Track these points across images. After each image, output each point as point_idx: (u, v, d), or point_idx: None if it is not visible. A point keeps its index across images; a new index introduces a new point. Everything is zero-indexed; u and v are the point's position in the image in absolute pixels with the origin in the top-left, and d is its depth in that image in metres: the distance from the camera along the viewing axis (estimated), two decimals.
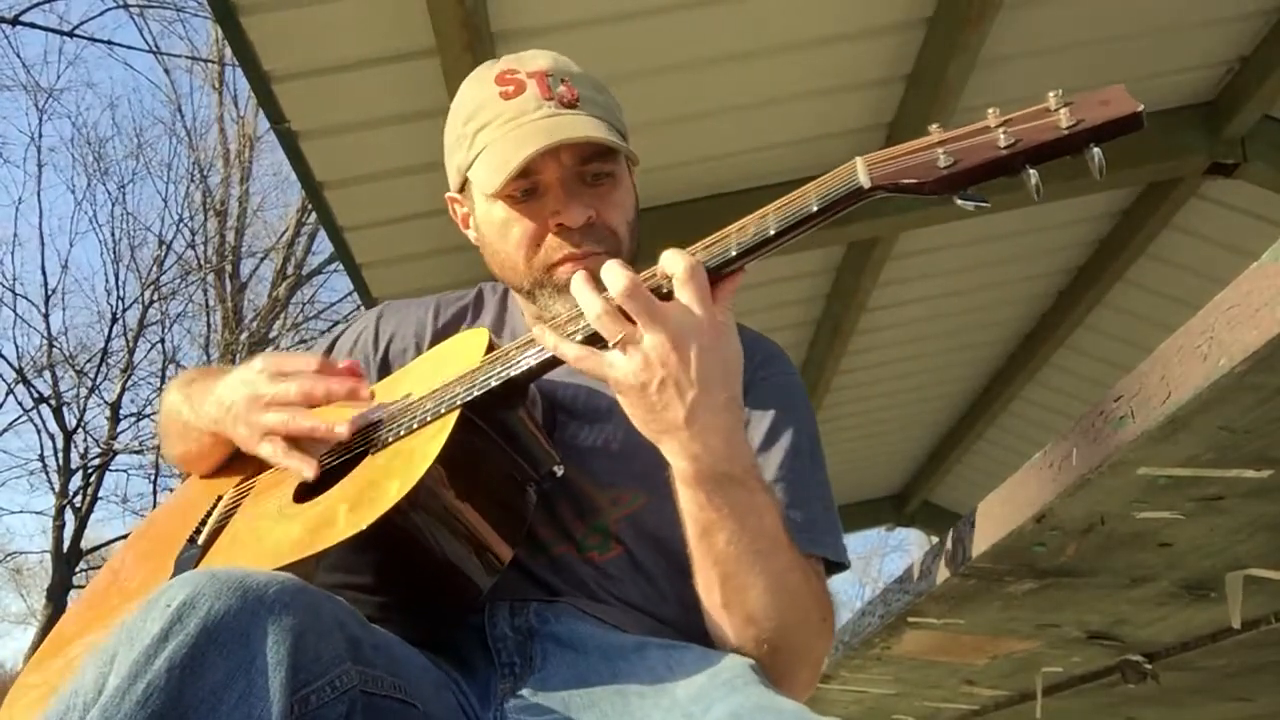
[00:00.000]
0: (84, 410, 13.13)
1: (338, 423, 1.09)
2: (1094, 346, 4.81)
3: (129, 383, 13.34)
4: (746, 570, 0.98)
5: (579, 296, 0.94)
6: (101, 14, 22.97)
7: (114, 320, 13.45)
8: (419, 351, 1.28)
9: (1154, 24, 3.06)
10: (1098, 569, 1.27)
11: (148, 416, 13.10)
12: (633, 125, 1.23)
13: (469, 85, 1.21)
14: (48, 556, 12.84)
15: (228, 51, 11.02)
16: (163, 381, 13.22)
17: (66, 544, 12.29)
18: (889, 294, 4.28)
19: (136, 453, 13.23)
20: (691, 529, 0.99)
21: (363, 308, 4.80)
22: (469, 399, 1.03)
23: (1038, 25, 2.96)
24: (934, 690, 2.00)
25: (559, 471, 1.09)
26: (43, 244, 19.37)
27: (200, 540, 1.17)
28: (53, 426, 12.92)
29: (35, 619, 13.83)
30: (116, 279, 13.72)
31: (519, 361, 1.04)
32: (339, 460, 1.12)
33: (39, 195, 22.34)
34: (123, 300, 13.60)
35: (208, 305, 14.05)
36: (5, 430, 13.57)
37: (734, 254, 0.93)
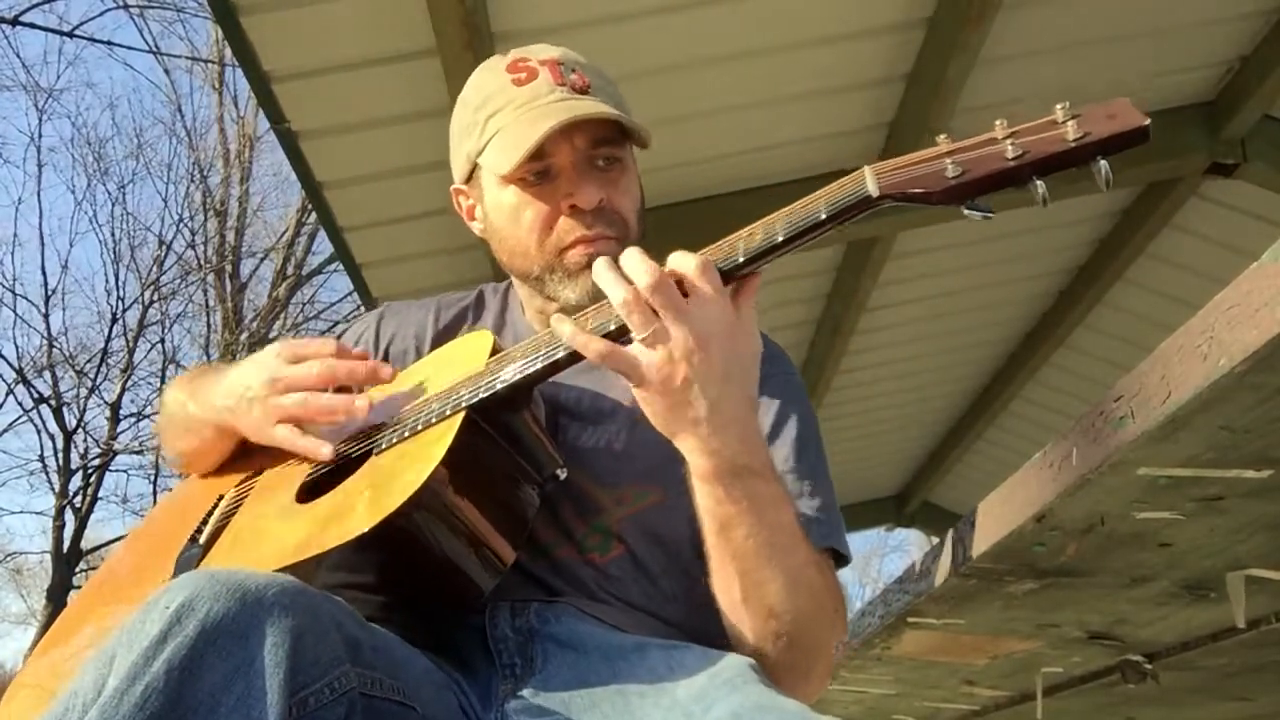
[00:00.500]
0: (84, 410, 13.14)
1: (357, 399, 1.10)
2: (1094, 346, 4.81)
3: (129, 383, 13.34)
4: (765, 564, 0.98)
5: (604, 283, 0.93)
6: (101, 14, 22.99)
7: (114, 320, 13.45)
8: (419, 353, 1.28)
9: (1154, 24, 3.06)
10: (1098, 569, 1.27)
11: (148, 416, 13.11)
12: None
13: (479, 75, 1.22)
14: (48, 557, 12.84)
15: (228, 51, 11.02)
16: (163, 381, 13.22)
17: (66, 544, 12.29)
18: (889, 294, 4.28)
19: (136, 453, 13.24)
20: (709, 525, 0.98)
21: (363, 308, 4.80)
22: (474, 401, 1.04)
23: (1038, 25, 2.96)
24: (934, 690, 2.00)
25: (562, 474, 1.09)
26: (43, 244, 19.34)
27: (201, 540, 1.17)
28: (53, 427, 12.93)
29: (35, 619, 13.85)
30: (116, 279, 13.74)
31: (523, 364, 1.04)
32: (342, 460, 1.13)
33: (39, 195, 22.32)
34: (123, 300, 13.62)
35: (208, 305, 14.05)
36: (5, 430, 13.59)
37: (741, 260, 0.93)
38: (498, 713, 0.99)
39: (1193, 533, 1.16)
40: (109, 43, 14.84)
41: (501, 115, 1.15)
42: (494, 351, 1.11)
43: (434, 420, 1.05)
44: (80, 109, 25.80)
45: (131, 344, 13.43)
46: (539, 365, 1.03)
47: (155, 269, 13.81)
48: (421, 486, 0.97)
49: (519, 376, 1.03)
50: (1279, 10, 3.11)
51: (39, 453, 13.07)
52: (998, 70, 3.05)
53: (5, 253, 25.91)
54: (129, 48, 26.15)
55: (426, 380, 1.15)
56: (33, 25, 12.27)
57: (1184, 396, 0.88)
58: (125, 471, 13.87)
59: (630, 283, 0.92)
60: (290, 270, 14.22)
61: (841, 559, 1.15)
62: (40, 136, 17.61)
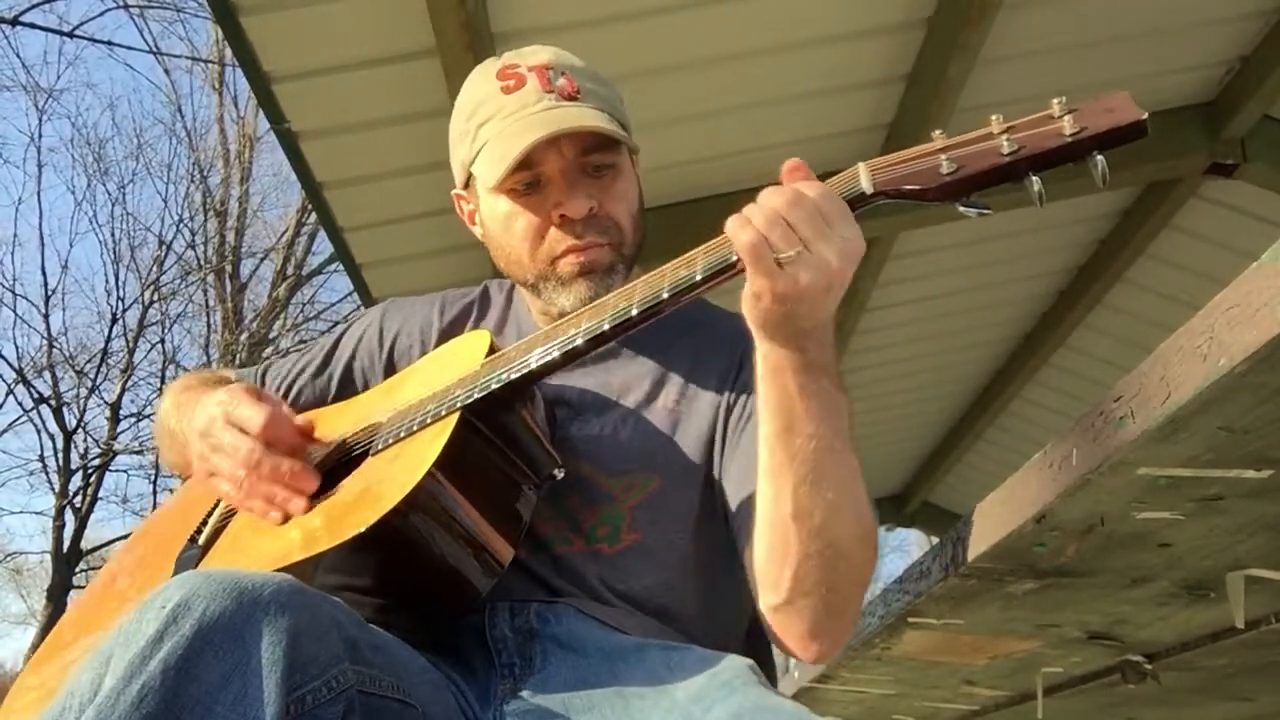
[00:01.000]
0: (84, 410, 13.15)
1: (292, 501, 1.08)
2: (1094, 346, 4.81)
3: (129, 383, 13.34)
4: (820, 472, 0.96)
5: (739, 218, 0.91)
6: (101, 14, 22.83)
7: (114, 320, 13.45)
8: (424, 349, 1.28)
9: (1154, 24, 3.06)
10: (1098, 569, 1.27)
11: (148, 417, 13.09)
12: (633, 125, 1.23)
13: (471, 81, 1.21)
14: (48, 557, 12.84)
15: (228, 52, 11.02)
16: (163, 382, 13.22)
17: (66, 544, 12.29)
18: (889, 294, 4.28)
19: (136, 453, 13.23)
20: (775, 425, 0.96)
21: (362, 308, 4.80)
22: (469, 401, 1.03)
23: (1038, 25, 2.96)
24: (934, 690, 2.00)
25: (559, 474, 1.08)
26: (43, 244, 19.27)
27: (201, 540, 1.17)
28: (53, 427, 12.93)
29: (35, 619, 13.84)
30: (116, 279, 13.73)
31: (519, 364, 1.04)
32: (339, 462, 1.12)
33: (39, 195, 22.26)
34: (123, 300, 13.61)
35: (208, 305, 14.05)
36: (5, 430, 13.58)
37: (734, 259, 0.93)
38: (496, 713, 0.99)
39: (1193, 533, 1.16)
40: (109, 43, 14.84)
41: (490, 125, 1.15)
42: (491, 351, 1.11)
43: (429, 421, 1.05)
44: (80, 109, 25.80)
45: (131, 344, 13.44)
46: (534, 365, 1.03)
47: (155, 269, 13.82)
48: (416, 487, 0.97)
49: (514, 376, 1.03)
50: (1279, 10, 3.11)
51: (39, 453, 13.09)
52: (998, 70, 3.05)
53: (5, 253, 25.93)
54: (129, 48, 26.15)
55: (424, 379, 1.15)
56: (33, 25, 12.29)
57: (1184, 397, 0.88)
58: (125, 471, 13.88)
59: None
60: (290, 270, 14.23)
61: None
62: (40, 137, 17.64)
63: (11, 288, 13.54)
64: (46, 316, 13.45)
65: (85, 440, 13.05)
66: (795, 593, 0.99)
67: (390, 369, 1.29)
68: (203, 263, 14.04)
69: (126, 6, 13.07)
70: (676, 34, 2.78)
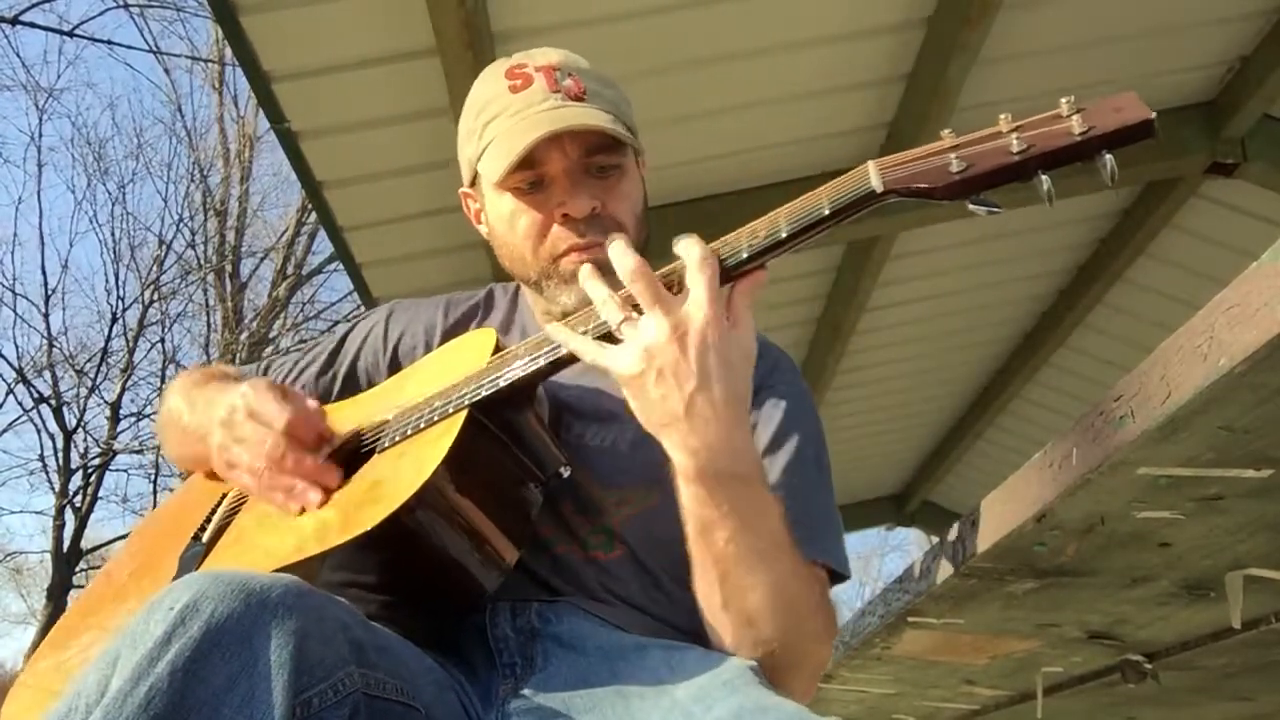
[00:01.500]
0: (84, 410, 13.12)
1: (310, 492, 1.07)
2: (1094, 346, 4.81)
3: (129, 383, 13.32)
4: (746, 571, 0.97)
5: (587, 286, 0.95)
6: (101, 14, 22.82)
7: (114, 320, 13.43)
8: (429, 350, 1.28)
9: (1154, 24, 3.06)
10: (1098, 569, 1.27)
11: (148, 416, 13.09)
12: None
13: (481, 81, 1.22)
14: (48, 556, 12.82)
15: (228, 51, 11.02)
16: (163, 381, 13.21)
17: (66, 544, 12.28)
18: (889, 294, 4.28)
19: (136, 453, 13.22)
20: (692, 526, 0.98)
21: (363, 307, 4.80)
22: (476, 399, 1.04)
23: (1038, 25, 2.96)
24: (934, 690, 2.00)
25: (565, 473, 1.09)
26: (43, 244, 19.29)
27: (205, 538, 1.17)
28: (53, 426, 12.91)
29: (35, 619, 13.82)
30: (116, 279, 13.71)
31: (526, 362, 1.04)
32: (346, 459, 1.12)
33: (39, 195, 22.31)
34: (123, 300, 13.59)
35: (208, 305, 14.03)
36: (5, 430, 13.55)
37: (745, 255, 0.93)
38: (498, 712, 0.99)
39: (1193, 533, 1.16)
40: (109, 42, 14.72)
41: (496, 123, 1.16)
42: (496, 349, 1.12)
43: (436, 418, 1.05)
44: (80, 109, 25.80)
45: (131, 344, 13.42)
46: (541, 363, 1.03)
47: (155, 269, 13.80)
48: (424, 485, 0.97)
49: (521, 374, 1.03)
50: (1279, 10, 3.11)
51: (39, 452, 13.06)
52: (998, 70, 3.05)
53: (5, 253, 25.91)
54: (129, 47, 26.12)
55: (430, 377, 1.15)
56: (33, 25, 12.25)
57: (1184, 396, 0.89)
58: (125, 471, 13.85)
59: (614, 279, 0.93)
60: (290, 270, 14.21)
61: (838, 576, 1.13)
62: (40, 136, 17.56)
63: (11, 287, 13.52)
64: (46, 316, 13.45)
65: (85, 440, 13.04)
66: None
67: (394, 369, 1.30)
68: (203, 262, 14.02)
69: (126, 6, 13.05)
70: (676, 34, 2.78)
